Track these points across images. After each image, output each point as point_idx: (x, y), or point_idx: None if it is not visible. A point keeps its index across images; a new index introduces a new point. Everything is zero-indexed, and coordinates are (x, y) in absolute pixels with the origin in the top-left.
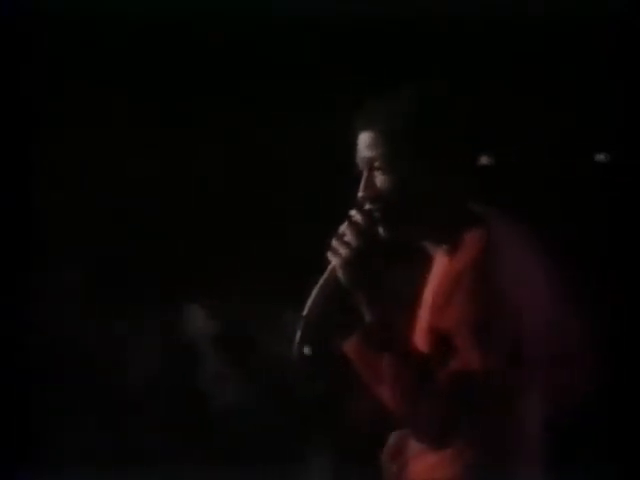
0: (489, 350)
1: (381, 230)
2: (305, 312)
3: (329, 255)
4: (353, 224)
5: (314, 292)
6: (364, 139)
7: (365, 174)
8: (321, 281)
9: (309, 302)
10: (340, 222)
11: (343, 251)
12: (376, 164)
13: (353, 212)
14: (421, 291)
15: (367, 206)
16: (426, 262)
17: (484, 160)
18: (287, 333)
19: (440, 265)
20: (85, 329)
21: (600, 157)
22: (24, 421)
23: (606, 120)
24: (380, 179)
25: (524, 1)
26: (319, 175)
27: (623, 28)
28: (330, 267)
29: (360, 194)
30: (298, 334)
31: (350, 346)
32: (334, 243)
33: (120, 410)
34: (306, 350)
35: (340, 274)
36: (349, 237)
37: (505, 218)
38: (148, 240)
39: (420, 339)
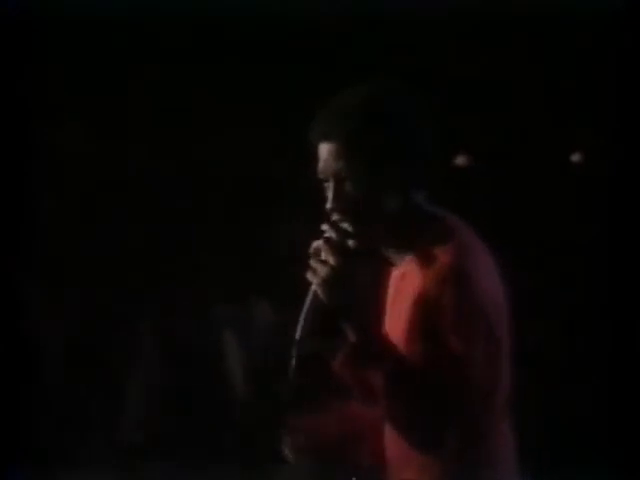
0: (477, 348)
1: (351, 242)
2: (297, 336)
3: (309, 275)
4: (328, 241)
5: (302, 315)
6: (329, 150)
7: (332, 185)
8: (307, 303)
9: (299, 325)
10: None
11: (321, 270)
12: (343, 175)
13: (325, 227)
14: (387, 299)
15: (336, 217)
16: (386, 271)
17: (460, 160)
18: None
19: (412, 274)
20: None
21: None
22: (20, 421)
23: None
24: (349, 190)
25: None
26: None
27: (622, 28)
28: (312, 288)
29: (329, 206)
30: (294, 360)
31: (338, 365)
32: (312, 262)
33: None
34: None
35: (321, 294)
36: (325, 255)
37: (467, 227)
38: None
39: (401, 345)
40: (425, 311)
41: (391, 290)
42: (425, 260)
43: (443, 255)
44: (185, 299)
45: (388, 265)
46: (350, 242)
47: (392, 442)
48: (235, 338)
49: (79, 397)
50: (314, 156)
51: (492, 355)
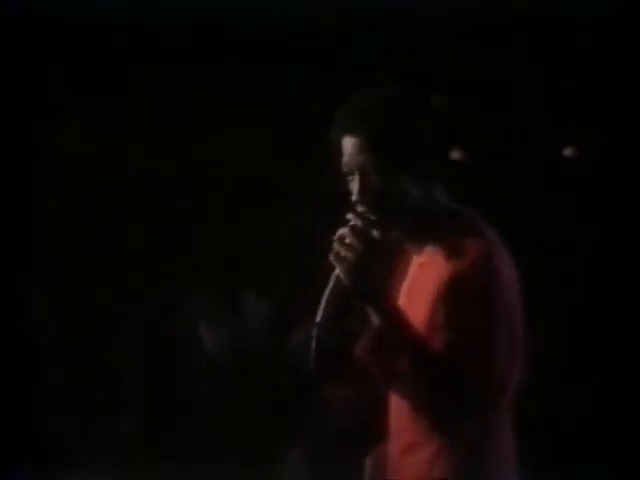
0: (500, 344)
1: (376, 233)
2: (318, 319)
3: (332, 259)
4: (353, 228)
5: (324, 298)
6: (353, 144)
7: (358, 178)
8: (329, 286)
9: (320, 308)
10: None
11: (347, 255)
12: (368, 169)
13: (350, 216)
14: (403, 287)
15: (361, 209)
16: (404, 259)
17: (456, 155)
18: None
19: (435, 264)
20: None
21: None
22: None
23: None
24: (373, 182)
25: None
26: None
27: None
28: (336, 272)
29: (354, 198)
30: (313, 342)
31: (361, 349)
32: (336, 247)
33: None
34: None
35: (345, 278)
36: (351, 240)
37: (485, 222)
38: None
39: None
40: (451, 301)
41: (408, 278)
42: (451, 252)
43: (471, 248)
44: (185, 299)
45: (406, 254)
46: (374, 232)
47: (399, 435)
48: (235, 338)
49: (79, 397)
50: (332, 153)
51: (510, 351)
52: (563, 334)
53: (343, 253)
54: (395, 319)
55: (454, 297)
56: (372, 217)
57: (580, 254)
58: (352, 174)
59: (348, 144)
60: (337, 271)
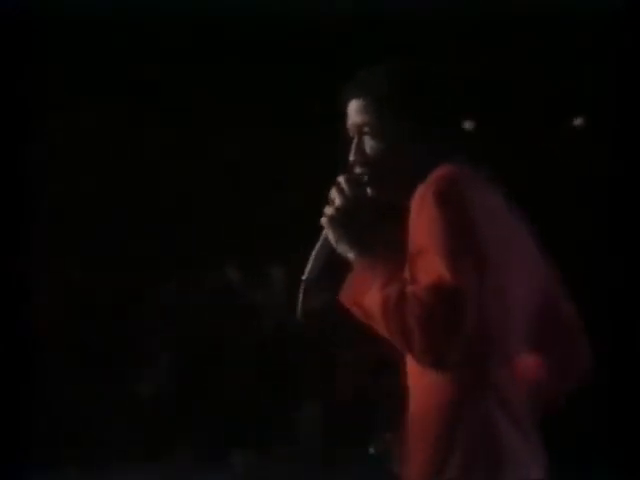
0: (458, 262)
1: (369, 191)
2: (305, 276)
3: (322, 221)
4: (339, 188)
5: (312, 256)
6: (354, 106)
7: (355, 140)
8: (317, 245)
9: (308, 266)
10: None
11: (333, 214)
12: (365, 129)
13: (340, 178)
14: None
15: (357, 169)
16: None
17: (467, 125)
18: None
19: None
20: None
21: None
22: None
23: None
24: (369, 144)
25: None
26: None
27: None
28: (324, 232)
29: (351, 158)
30: (300, 297)
31: (344, 295)
32: (326, 209)
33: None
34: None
35: (328, 233)
36: (333, 197)
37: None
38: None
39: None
40: (411, 226)
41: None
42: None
43: (436, 175)
44: (185, 298)
45: (406, 211)
46: (368, 191)
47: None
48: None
49: (79, 397)
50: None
51: (493, 298)
52: None
53: (329, 212)
54: (372, 266)
55: (411, 222)
56: (365, 178)
57: (579, 253)
58: (353, 137)
59: (351, 107)
60: (325, 230)
